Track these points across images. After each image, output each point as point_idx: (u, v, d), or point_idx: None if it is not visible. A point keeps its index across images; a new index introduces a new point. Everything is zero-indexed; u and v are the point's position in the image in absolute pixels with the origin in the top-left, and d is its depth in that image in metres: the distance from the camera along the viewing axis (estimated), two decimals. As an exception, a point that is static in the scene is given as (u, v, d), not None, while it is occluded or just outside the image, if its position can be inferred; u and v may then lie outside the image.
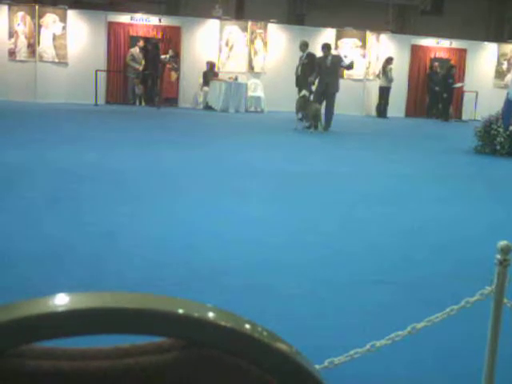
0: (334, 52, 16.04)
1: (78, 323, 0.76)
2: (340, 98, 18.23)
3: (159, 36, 20.54)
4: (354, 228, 5.60)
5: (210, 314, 0.80)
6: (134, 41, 20.14)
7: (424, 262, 4.66)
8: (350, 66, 16.49)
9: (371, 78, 21.58)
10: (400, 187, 7.79)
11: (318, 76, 15.01)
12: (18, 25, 19.30)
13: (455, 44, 22.70)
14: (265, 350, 0.82)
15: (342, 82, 20.52)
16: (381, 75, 21.04)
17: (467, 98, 22.39)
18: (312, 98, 14.87)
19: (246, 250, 4.73)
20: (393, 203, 6.70)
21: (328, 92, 14.66)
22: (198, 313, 0.80)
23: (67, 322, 0.75)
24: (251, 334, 0.81)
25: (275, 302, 3.66)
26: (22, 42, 19.30)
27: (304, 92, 14.46)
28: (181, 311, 0.79)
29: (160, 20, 20.55)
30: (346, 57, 21.27)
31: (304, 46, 17.37)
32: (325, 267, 4.38)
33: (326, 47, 15.08)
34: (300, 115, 14.84)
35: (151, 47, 20.09)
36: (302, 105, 14.39)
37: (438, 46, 22.68)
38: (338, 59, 15.19)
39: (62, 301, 0.77)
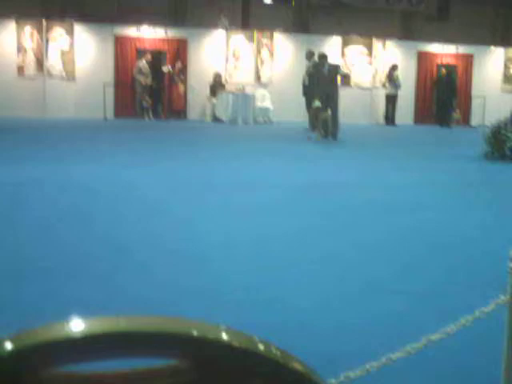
0: (334, 62, 16.08)
1: (93, 348, 0.76)
2: (348, 106, 18.30)
3: (165, 49, 20.62)
4: (365, 238, 5.57)
5: (224, 335, 0.81)
6: (141, 53, 20.24)
7: (437, 270, 4.63)
8: (345, 75, 16.62)
9: (378, 85, 21.59)
10: (412, 196, 7.75)
11: (317, 85, 15.08)
12: (26, 41, 19.43)
13: (461, 49, 22.68)
14: (280, 370, 0.82)
15: (349, 90, 20.73)
16: (387, 83, 21.05)
17: (475, 104, 22.38)
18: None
19: (264, 262, 4.71)
20: (405, 212, 6.67)
21: (328, 100, 14.65)
22: (213, 334, 0.80)
23: (83, 347, 0.76)
24: (265, 353, 0.82)
25: (290, 315, 3.64)
26: (31, 58, 19.43)
27: (317, 103, 14.47)
28: (195, 333, 0.79)
29: (166, 32, 20.63)
30: (353, 65, 21.46)
31: (310, 54, 17.44)
32: (336, 278, 4.36)
33: (321, 57, 15.13)
34: (311, 125, 14.87)
35: (155, 60, 20.20)
36: (316, 115, 14.39)
37: (444, 52, 22.66)
38: (335, 68, 15.21)
39: (77, 326, 0.77)
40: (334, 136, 14.49)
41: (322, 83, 14.80)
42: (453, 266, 4.72)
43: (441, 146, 15.10)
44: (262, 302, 3.77)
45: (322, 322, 3.52)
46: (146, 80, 19.79)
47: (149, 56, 19.99)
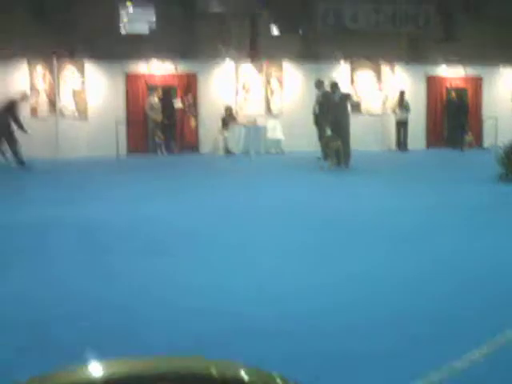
0: (344, 90, 16.11)
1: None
2: (359, 133, 18.27)
3: (176, 84, 20.80)
4: (385, 264, 5.53)
5: (246, 374, 0.80)
6: (151, 90, 20.41)
7: (456, 295, 4.58)
8: (356, 104, 16.66)
9: (389, 111, 21.60)
10: (429, 221, 7.69)
11: (328, 114, 15.13)
12: (39, 81, 19.67)
13: (470, 72, 22.69)
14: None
15: (360, 117, 20.75)
16: (397, 109, 21.06)
17: (487, 125, 22.32)
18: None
19: (287, 297, 4.69)
20: (423, 238, 6.61)
21: (340, 128, 14.66)
22: (234, 373, 0.80)
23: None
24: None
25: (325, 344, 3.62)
26: (43, 99, 19.64)
27: (329, 132, 14.50)
28: (216, 372, 0.79)
29: (176, 68, 20.82)
30: (362, 92, 21.54)
31: (319, 83, 17.49)
32: (358, 306, 4.32)
33: (333, 85, 15.21)
34: (324, 154, 14.86)
35: (166, 96, 20.36)
36: (328, 144, 14.39)
37: (453, 75, 22.66)
38: (345, 96, 15.27)
39: (98, 369, 0.77)
40: (347, 164, 14.47)
41: (333, 111, 14.84)
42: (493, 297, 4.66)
43: (454, 170, 15.08)
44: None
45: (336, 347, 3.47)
46: (157, 116, 19.93)
47: (159, 92, 20.17)
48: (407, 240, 6.56)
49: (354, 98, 16.91)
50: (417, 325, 3.96)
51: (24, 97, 16.47)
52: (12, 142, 15.37)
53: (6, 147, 15.63)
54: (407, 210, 8.55)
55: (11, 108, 15.75)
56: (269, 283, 4.98)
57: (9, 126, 15.47)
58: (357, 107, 20.63)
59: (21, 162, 15.35)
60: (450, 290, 4.77)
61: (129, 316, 4.26)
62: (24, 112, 19.39)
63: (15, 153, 15.39)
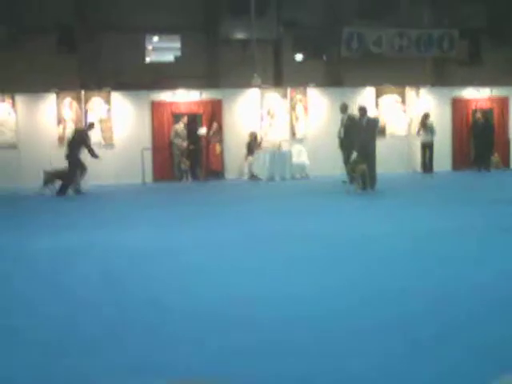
0: (371, 114, 16.06)
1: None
2: (384, 156, 18.24)
3: (201, 111, 20.96)
4: (411, 289, 5.46)
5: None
6: (177, 118, 20.60)
7: (492, 320, 4.49)
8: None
9: (414, 134, 21.55)
10: (462, 244, 7.58)
11: (355, 137, 15.13)
12: (66, 111, 19.97)
13: (496, 92, 22.56)
14: None
15: (384, 140, 20.73)
16: (421, 131, 21.00)
17: (515, 146, 22.20)
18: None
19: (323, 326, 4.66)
20: (457, 261, 6.53)
21: (366, 152, 14.64)
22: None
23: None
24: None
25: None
26: (70, 128, 19.90)
27: (355, 156, 14.46)
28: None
29: (201, 94, 21.00)
30: (387, 115, 21.53)
31: (344, 108, 17.53)
32: (382, 332, 4.28)
33: (362, 110, 15.19)
34: (350, 178, 14.85)
35: (191, 122, 20.52)
36: (354, 168, 14.36)
37: (478, 96, 22.55)
38: (373, 121, 15.28)
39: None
40: (373, 187, 14.44)
41: (359, 135, 14.84)
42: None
43: (481, 191, 14.95)
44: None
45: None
46: (182, 143, 20.07)
47: (185, 119, 20.34)
48: (443, 264, 6.47)
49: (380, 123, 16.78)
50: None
51: (92, 126, 17.02)
52: (82, 169, 16.08)
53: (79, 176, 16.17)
54: (438, 232, 8.44)
55: (82, 138, 16.21)
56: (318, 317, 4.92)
57: (79, 155, 16.09)
58: (382, 130, 20.66)
59: (78, 189, 16.08)
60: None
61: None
62: (51, 141, 19.78)
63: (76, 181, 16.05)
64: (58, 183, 16.13)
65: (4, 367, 3.81)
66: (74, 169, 15.94)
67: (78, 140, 16.13)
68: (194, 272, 6.37)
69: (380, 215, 10.62)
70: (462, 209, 11.08)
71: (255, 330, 4.41)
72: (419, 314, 4.71)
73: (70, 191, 16.01)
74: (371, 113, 17.45)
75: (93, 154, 16.23)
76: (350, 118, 16.59)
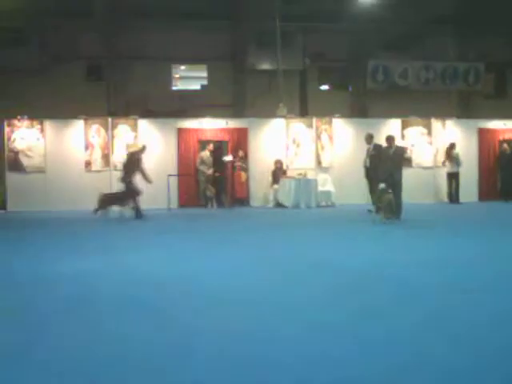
0: (398, 143, 15.97)
1: None
2: (410, 186, 18.18)
3: (227, 138, 21.08)
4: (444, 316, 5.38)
5: None
6: (202, 144, 20.73)
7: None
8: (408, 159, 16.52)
9: (440, 164, 21.50)
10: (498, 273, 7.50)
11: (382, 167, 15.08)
12: (93, 137, 20.21)
13: (522, 124, 22.56)
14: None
15: (411, 170, 20.69)
16: (446, 162, 20.96)
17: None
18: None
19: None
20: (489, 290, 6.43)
21: (393, 181, 14.58)
22: None
23: None
24: None
25: None
26: (97, 153, 20.14)
27: (383, 185, 14.35)
28: None
29: (227, 122, 21.15)
30: (413, 146, 21.50)
31: (369, 138, 17.59)
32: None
33: (390, 138, 15.15)
34: (376, 207, 14.76)
35: (217, 149, 20.62)
36: (381, 197, 14.26)
37: (505, 127, 22.54)
38: (401, 150, 15.23)
39: None
40: (398, 216, 14.33)
41: (386, 164, 14.80)
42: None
43: (509, 222, 14.83)
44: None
45: None
46: (208, 170, 20.16)
47: (211, 146, 20.44)
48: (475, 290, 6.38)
49: (408, 152, 16.67)
50: None
51: (144, 149, 16.93)
52: (135, 193, 15.87)
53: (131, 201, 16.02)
54: (464, 260, 8.36)
55: (136, 160, 16.18)
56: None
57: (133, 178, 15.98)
58: (408, 161, 20.61)
59: (138, 212, 15.86)
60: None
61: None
62: (79, 167, 19.99)
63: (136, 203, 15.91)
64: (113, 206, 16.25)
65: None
66: (130, 192, 15.87)
67: (133, 162, 16.10)
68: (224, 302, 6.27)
69: (405, 245, 10.46)
70: (492, 239, 10.97)
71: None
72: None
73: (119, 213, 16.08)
74: (400, 142, 17.43)
75: (146, 178, 16.16)
76: (377, 148, 16.59)
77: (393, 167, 14.70)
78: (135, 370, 3.92)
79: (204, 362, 4.03)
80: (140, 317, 5.30)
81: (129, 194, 15.93)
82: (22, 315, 5.42)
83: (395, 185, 14.55)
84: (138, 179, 16.05)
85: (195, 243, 10.76)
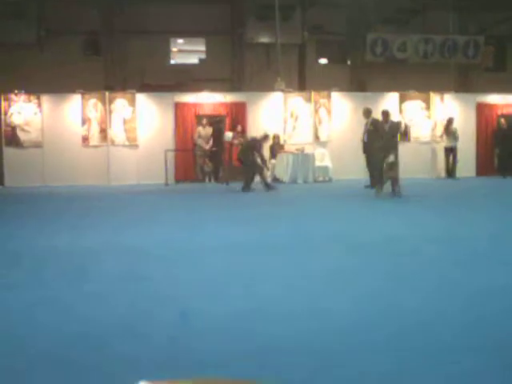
0: (394, 119, 15.82)
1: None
2: (408, 161, 18.18)
3: (224, 113, 21.03)
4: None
5: None
6: (200, 119, 20.70)
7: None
8: (405, 133, 16.32)
9: (438, 139, 21.47)
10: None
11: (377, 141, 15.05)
12: (90, 112, 20.15)
13: (521, 98, 22.49)
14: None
15: (408, 145, 20.68)
16: (444, 136, 20.90)
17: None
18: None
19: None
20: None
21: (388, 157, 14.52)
22: None
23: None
24: None
25: None
26: (95, 128, 20.10)
27: (392, 158, 14.19)
28: None
29: (225, 97, 21.09)
30: (411, 120, 21.45)
31: (367, 112, 17.53)
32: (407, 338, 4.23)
33: (385, 113, 15.07)
34: (374, 180, 14.70)
35: (216, 124, 20.60)
36: (387, 170, 14.13)
37: (503, 102, 22.49)
38: (396, 125, 15.10)
39: None
40: (399, 192, 14.23)
41: (382, 139, 14.75)
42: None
43: (507, 198, 14.82)
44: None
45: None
46: (206, 144, 20.14)
47: (205, 122, 20.38)
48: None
49: (403, 128, 16.50)
50: None
51: (266, 138, 17.56)
52: (258, 169, 16.71)
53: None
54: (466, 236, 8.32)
55: (254, 146, 16.81)
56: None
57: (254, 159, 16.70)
58: (405, 135, 20.63)
59: (267, 185, 16.64)
60: None
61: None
62: (76, 141, 19.99)
63: (263, 178, 16.83)
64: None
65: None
66: (251, 169, 16.68)
67: (251, 147, 16.76)
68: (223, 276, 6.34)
69: (408, 219, 10.44)
70: (490, 215, 10.97)
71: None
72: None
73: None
74: (395, 117, 17.34)
75: (263, 162, 16.99)
76: (374, 123, 16.52)
77: (388, 142, 14.65)
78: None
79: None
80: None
81: (250, 171, 16.71)
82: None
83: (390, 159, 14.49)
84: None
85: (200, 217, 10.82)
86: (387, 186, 14.03)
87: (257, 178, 16.78)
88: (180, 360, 3.55)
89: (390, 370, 3.34)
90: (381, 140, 14.79)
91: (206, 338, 3.92)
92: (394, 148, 14.60)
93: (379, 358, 3.51)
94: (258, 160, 16.72)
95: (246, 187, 16.48)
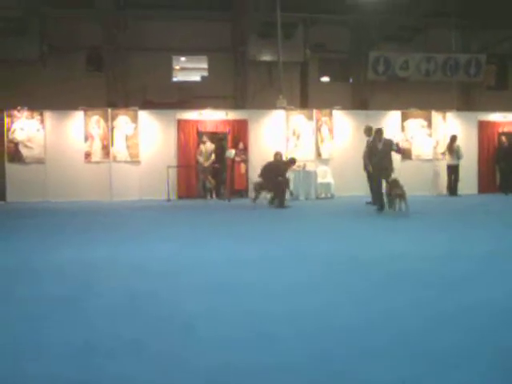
0: (388, 137, 15.78)
1: None
2: (409, 178, 18.16)
3: (226, 130, 21.06)
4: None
5: None
6: (202, 136, 20.71)
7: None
8: (399, 151, 16.24)
9: (440, 157, 21.48)
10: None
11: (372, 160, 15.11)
12: (93, 128, 20.18)
13: (523, 116, 22.55)
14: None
15: (410, 162, 20.71)
16: (446, 154, 20.93)
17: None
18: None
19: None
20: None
21: (384, 174, 14.55)
22: None
23: None
24: None
25: None
26: (97, 145, 20.14)
27: (392, 176, 14.25)
28: None
29: (227, 114, 21.12)
30: (411, 138, 21.48)
31: (368, 130, 17.56)
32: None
33: (379, 132, 15.09)
34: (375, 198, 14.69)
35: (218, 141, 20.65)
36: (393, 188, 14.10)
37: (505, 120, 22.55)
38: (389, 142, 15.09)
39: None
40: (406, 209, 14.15)
41: (376, 156, 14.80)
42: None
43: (509, 215, 14.79)
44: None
45: None
46: (204, 162, 20.13)
47: (205, 139, 20.39)
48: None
49: (395, 145, 16.28)
50: None
51: (293, 162, 17.86)
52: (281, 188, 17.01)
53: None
54: (468, 253, 8.29)
55: (281, 167, 17.28)
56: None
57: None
58: (407, 153, 20.70)
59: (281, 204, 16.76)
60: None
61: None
62: (78, 158, 20.01)
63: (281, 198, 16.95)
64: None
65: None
66: (279, 187, 16.95)
67: (274, 169, 16.99)
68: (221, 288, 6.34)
69: (411, 236, 10.41)
70: (493, 232, 10.94)
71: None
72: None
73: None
74: (394, 135, 17.32)
75: (284, 182, 17.18)
76: (373, 140, 16.52)
77: (382, 159, 14.66)
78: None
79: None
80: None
81: (281, 187, 16.95)
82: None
83: (386, 176, 14.53)
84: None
85: (200, 233, 10.79)
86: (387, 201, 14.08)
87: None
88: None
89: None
90: (374, 158, 14.85)
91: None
92: (389, 165, 14.63)
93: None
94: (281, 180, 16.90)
95: (281, 204, 16.67)
